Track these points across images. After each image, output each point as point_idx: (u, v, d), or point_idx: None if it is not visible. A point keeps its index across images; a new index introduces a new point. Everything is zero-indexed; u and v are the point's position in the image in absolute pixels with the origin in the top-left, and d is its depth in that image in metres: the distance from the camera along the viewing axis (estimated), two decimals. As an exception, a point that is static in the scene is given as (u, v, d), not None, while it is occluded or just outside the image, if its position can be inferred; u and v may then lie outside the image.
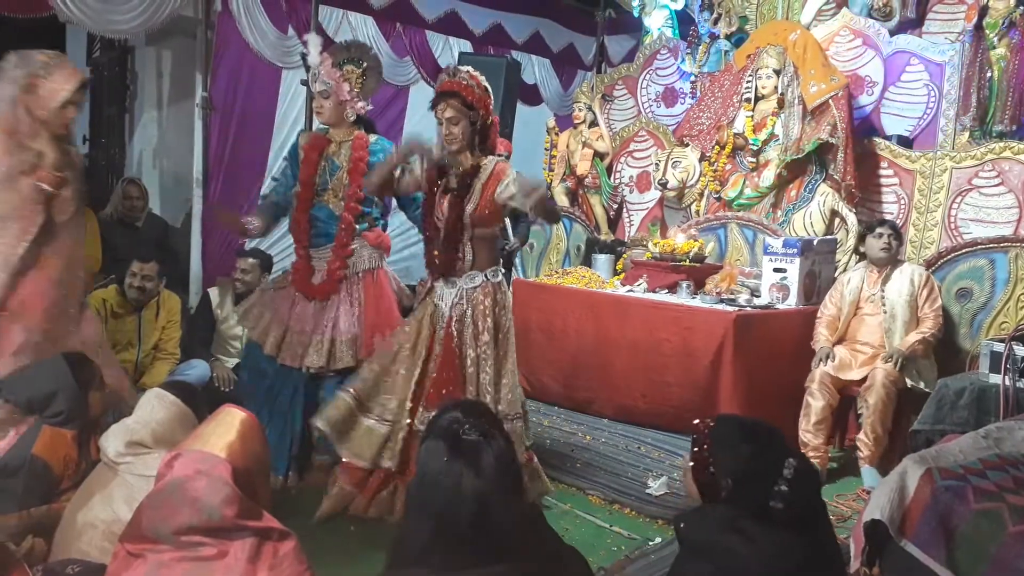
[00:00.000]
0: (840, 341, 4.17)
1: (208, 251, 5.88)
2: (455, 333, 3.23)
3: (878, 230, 4.11)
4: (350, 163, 3.62)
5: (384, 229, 3.88)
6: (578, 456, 4.02)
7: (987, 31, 4.65)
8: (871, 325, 4.08)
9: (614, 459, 4.02)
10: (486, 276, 3.25)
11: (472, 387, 3.19)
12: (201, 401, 2.48)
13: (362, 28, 6.61)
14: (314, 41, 3.69)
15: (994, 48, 4.64)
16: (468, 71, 3.22)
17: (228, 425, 1.99)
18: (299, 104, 6.16)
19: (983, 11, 4.68)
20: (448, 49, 7.20)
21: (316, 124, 6.15)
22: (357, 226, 3.67)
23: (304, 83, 5.96)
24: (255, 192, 6.20)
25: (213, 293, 4.75)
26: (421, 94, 7.08)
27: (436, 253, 3.30)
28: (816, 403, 3.87)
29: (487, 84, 3.23)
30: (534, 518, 1.77)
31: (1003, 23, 4.61)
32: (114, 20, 5.32)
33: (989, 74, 4.64)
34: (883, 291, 4.04)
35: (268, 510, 1.98)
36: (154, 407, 2.49)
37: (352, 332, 3.57)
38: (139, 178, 5.78)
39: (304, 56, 3.85)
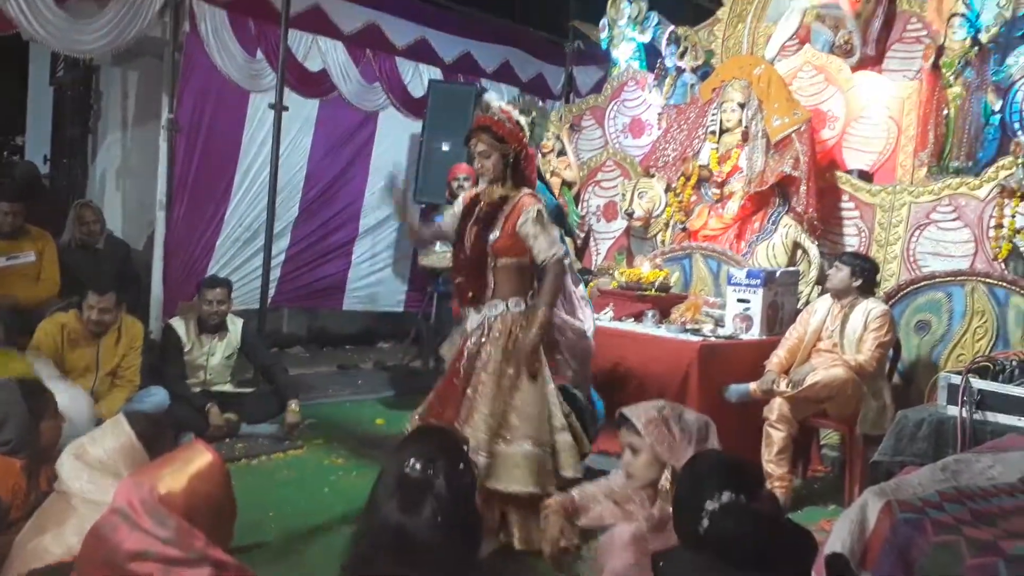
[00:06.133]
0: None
1: (169, 274, 5.79)
2: (465, 354, 3.28)
3: (835, 263, 4.16)
4: None
5: None
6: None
7: (943, 70, 4.79)
8: (825, 360, 4.03)
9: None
10: (507, 306, 3.26)
11: (464, 411, 3.19)
12: (165, 437, 2.43)
13: (332, 53, 6.61)
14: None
15: (950, 87, 4.77)
16: (501, 107, 3.32)
17: (193, 462, 1.99)
18: (266, 127, 6.12)
19: (939, 51, 4.82)
20: (418, 76, 7.22)
21: (284, 150, 6.17)
22: None
23: (272, 107, 5.94)
24: (220, 214, 6.14)
25: (179, 326, 4.65)
26: (390, 120, 7.09)
27: (458, 280, 3.37)
28: (777, 434, 3.88)
29: (520, 119, 3.31)
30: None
31: (959, 63, 4.74)
32: (79, 40, 5.25)
33: (945, 112, 4.77)
34: (842, 329, 4.02)
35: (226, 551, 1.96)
36: (107, 433, 2.44)
37: None
38: (92, 201, 5.66)
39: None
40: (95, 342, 4.26)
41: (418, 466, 1.68)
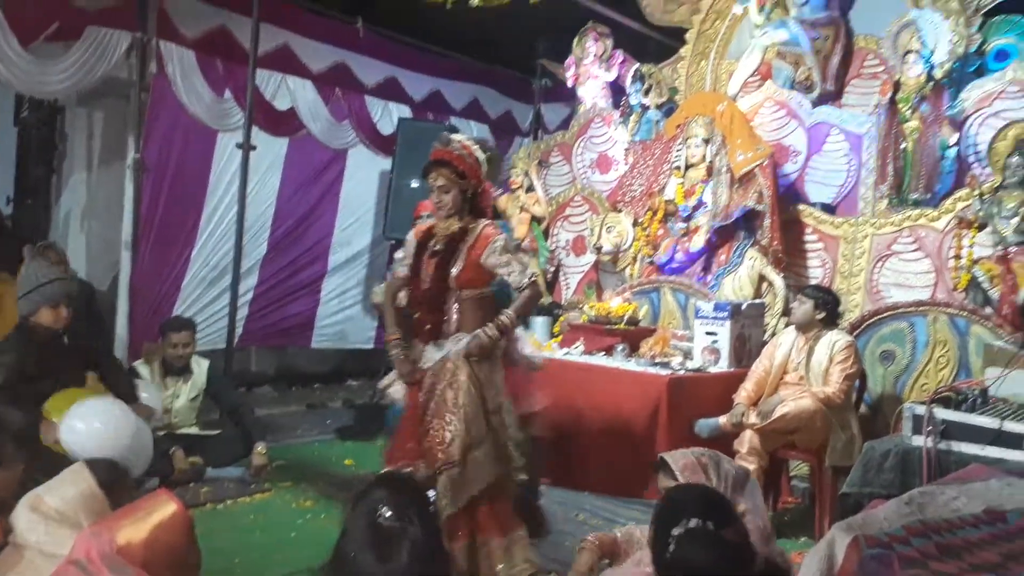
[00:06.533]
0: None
1: (135, 315, 5.72)
2: (427, 385, 3.18)
3: (798, 296, 4.20)
4: None
5: None
6: (515, 524, 3.95)
7: (900, 105, 4.91)
8: (793, 392, 4.05)
9: (552, 527, 3.96)
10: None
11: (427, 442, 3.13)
12: (128, 483, 2.37)
13: (300, 92, 6.63)
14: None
15: (907, 121, 4.88)
16: (461, 141, 3.25)
17: (155, 512, 1.96)
18: (235, 166, 6.11)
19: (896, 86, 4.94)
20: (387, 114, 7.27)
21: (252, 188, 6.16)
22: None
23: (239, 146, 5.93)
24: (187, 254, 6.09)
25: (143, 370, 4.59)
26: (359, 157, 7.11)
27: (418, 316, 3.27)
28: (748, 467, 3.89)
29: (480, 154, 3.25)
30: None
31: (915, 98, 4.87)
32: (44, 81, 5.24)
33: (903, 145, 4.87)
34: (808, 362, 4.05)
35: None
36: (66, 481, 2.38)
37: None
38: (56, 242, 5.58)
39: None
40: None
41: (389, 514, 1.66)
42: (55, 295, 3.71)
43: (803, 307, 4.09)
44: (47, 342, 3.72)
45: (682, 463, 2.31)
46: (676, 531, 1.83)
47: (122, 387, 3.93)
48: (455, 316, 3.21)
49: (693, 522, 1.83)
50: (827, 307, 4.09)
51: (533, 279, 3.18)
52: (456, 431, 3.04)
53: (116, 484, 2.39)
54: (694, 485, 2.23)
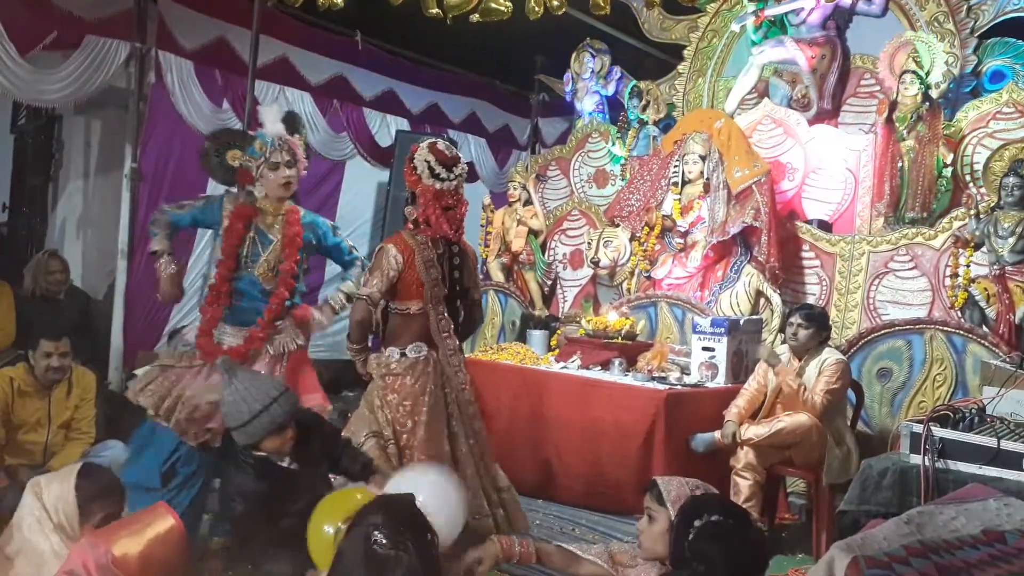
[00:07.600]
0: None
1: (130, 325, 5.69)
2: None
3: (791, 318, 4.13)
4: (285, 237, 3.60)
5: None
6: (511, 539, 3.93)
7: (897, 124, 4.93)
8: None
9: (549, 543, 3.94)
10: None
11: None
12: (110, 496, 2.36)
13: (299, 104, 6.64)
14: (273, 112, 3.63)
15: (903, 140, 4.91)
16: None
17: (153, 525, 1.97)
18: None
19: (893, 105, 4.97)
20: (385, 126, 7.30)
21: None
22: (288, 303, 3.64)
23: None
24: (183, 263, 6.03)
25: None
26: (357, 169, 7.12)
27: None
28: (743, 482, 3.89)
29: (416, 154, 3.44)
30: None
31: (911, 117, 4.89)
32: (43, 90, 5.24)
33: (900, 164, 4.90)
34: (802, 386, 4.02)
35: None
36: (59, 478, 2.38)
37: None
38: (59, 251, 5.59)
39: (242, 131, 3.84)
40: (46, 395, 4.13)
41: (384, 540, 1.64)
42: (279, 418, 2.75)
43: (807, 332, 4.03)
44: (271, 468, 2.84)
45: (675, 493, 2.29)
46: (698, 523, 1.99)
47: None
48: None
49: (715, 517, 2.01)
50: (825, 329, 4.11)
51: (358, 299, 3.31)
52: None
53: (94, 495, 2.36)
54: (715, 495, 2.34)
